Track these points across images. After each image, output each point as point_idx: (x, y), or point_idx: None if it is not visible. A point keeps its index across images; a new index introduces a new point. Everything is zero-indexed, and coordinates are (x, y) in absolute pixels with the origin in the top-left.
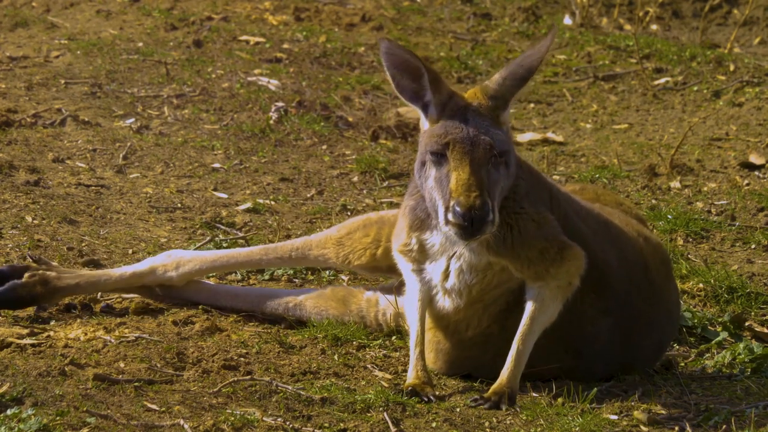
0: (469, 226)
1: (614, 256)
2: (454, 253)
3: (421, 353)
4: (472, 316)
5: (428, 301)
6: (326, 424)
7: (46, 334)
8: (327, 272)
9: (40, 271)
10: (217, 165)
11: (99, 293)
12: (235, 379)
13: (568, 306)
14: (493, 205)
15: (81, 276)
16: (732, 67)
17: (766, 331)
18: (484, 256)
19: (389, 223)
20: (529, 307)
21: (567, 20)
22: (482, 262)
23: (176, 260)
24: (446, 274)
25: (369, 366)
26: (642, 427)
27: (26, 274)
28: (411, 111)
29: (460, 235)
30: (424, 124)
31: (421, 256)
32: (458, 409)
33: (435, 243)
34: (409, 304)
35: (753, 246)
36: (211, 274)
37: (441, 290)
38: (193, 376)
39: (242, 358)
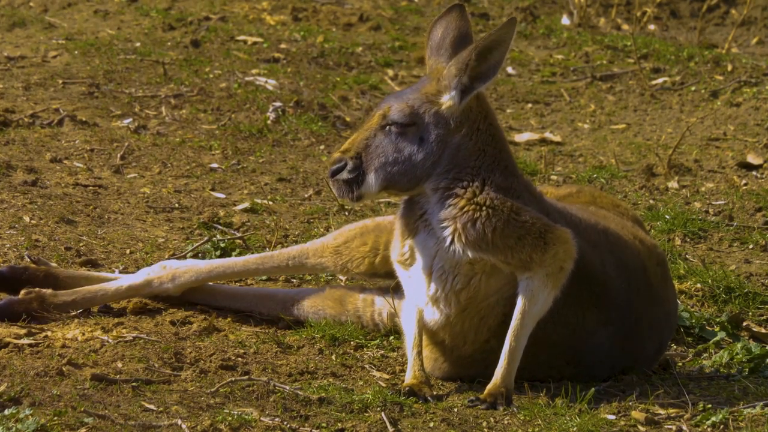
0: (330, 178)
1: (614, 265)
2: (436, 253)
3: (419, 354)
4: (469, 329)
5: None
6: (324, 424)
7: (43, 334)
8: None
9: (37, 288)
10: (214, 165)
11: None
12: (233, 379)
13: (569, 322)
14: (358, 165)
15: (77, 292)
16: (730, 67)
17: (763, 331)
18: (460, 249)
19: (386, 230)
20: (520, 301)
21: (565, 20)
22: (463, 260)
23: (172, 272)
24: (429, 276)
25: (367, 366)
26: (640, 427)
27: (22, 291)
28: None
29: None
30: None
31: (412, 260)
32: (456, 409)
33: (417, 243)
34: (407, 309)
35: (751, 246)
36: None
37: (430, 300)
38: (191, 376)
39: (240, 358)
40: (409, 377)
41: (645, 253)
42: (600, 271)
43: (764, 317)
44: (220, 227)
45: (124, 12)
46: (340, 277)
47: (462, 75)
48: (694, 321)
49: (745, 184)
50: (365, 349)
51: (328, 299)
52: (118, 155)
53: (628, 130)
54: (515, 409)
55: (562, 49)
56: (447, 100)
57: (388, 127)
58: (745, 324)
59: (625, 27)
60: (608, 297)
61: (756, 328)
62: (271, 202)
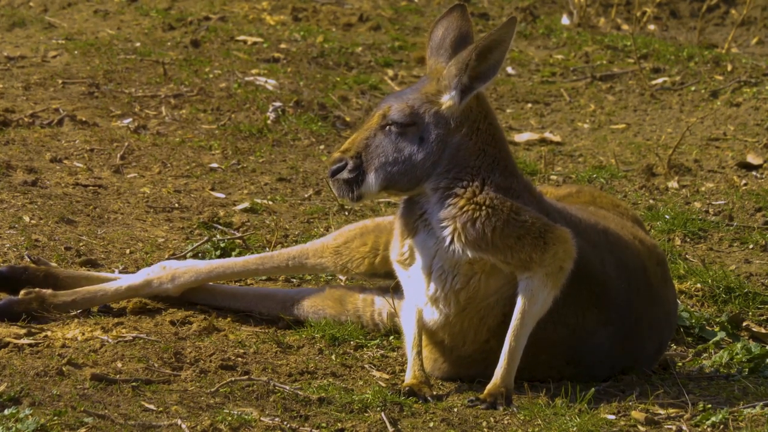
0: (330, 178)
1: (614, 265)
2: (436, 252)
3: (419, 354)
4: (468, 329)
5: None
6: (324, 424)
7: (43, 333)
8: None
9: (36, 288)
10: (214, 165)
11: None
12: (233, 378)
13: (569, 322)
14: (358, 165)
15: (77, 293)
16: (729, 67)
17: (763, 331)
18: (460, 249)
19: (386, 230)
20: (519, 301)
21: (564, 20)
22: (463, 260)
23: (171, 272)
24: (429, 276)
25: (366, 366)
26: (639, 427)
27: (22, 291)
28: None
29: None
30: None
31: (412, 260)
32: (456, 409)
33: (416, 243)
34: (407, 308)
35: (751, 246)
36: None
37: (429, 300)
38: (191, 376)
39: (240, 358)
40: (408, 377)
41: (645, 253)
42: (600, 271)
43: (764, 317)
44: (220, 227)
45: (124, 12)
46: (340, 277)
47: (462, 75)
48: (694, 321)
49: (745, 184)
50: (365, 349)
51: (328, 299)
52: (118, 155)
53: (628, 130)
54: (515, 409)
55: (562, 49)
56: (447, 100)
57: (388, 127)
58: (745, 324)
59: (625, 27)
60: (608, 297)
61: (756, 328)
62: (271, 202)
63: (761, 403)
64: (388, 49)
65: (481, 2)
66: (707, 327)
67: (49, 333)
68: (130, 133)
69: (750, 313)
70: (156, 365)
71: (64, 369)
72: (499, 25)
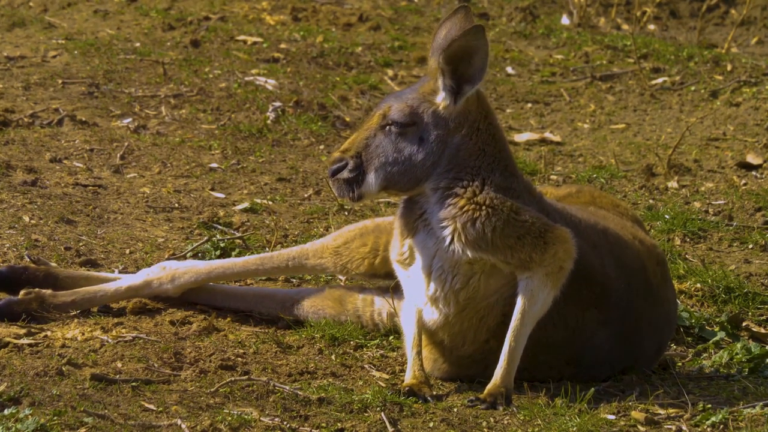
0: (330, 178)
1: (614, 266)
2: (436, 252)
3: (419, 354)
4: (468, 329)
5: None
6: (323, 424)
7: (43, 333)
8: None
9: (36, 289)
10: (214, 165)
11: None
12: (233, 379)
13: (569, 322)
14: (358, 165)
15: (76, 293)
16: (729, 67)
17: (763, 331)
18: (460, 249)
19: (386, 231)
20: (519, 301)
21: (564, 20)
22: (463, 260)
23: (171, 272)
24: (429, 276)
25: (366, 366)
26: (639, 427)
27: (22, 292)
28: None
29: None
30: None
31: (411, 260)
32: (455, 409)
33: (416, 243)
34: (407, 308)
35: (750, 246)
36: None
37: (429, 300)
38: (191, 376)
39: (239, 358)
40: (408, 377)
41: (645, 253)
42: (600, 271)
43: (764, 317)
44: (219, 227)
45: (124, 12)
46: (340, 277)
47: (444, 78)
48: (694, 321)
49: (745, 184)
50: (365, 349)
51: (327, 299)
52: (118, 155)
53: (627, 130)
54: (515, 409)
55: (562, 49)
56: (441, 100)
57: (388, 126)
58: (744, 324)
59: (625, 27)
60: (608, 297)
61: (756, 328)
62: (270, 202)
63: (761, 403)
64: (388, 49)
65: (481, 2)
66: (707, 327)
67: (49, 333)
68: (130, 133)
69: (750, 313)
70: (156, 365)
71: (63, 369)
72: (467, 29)
